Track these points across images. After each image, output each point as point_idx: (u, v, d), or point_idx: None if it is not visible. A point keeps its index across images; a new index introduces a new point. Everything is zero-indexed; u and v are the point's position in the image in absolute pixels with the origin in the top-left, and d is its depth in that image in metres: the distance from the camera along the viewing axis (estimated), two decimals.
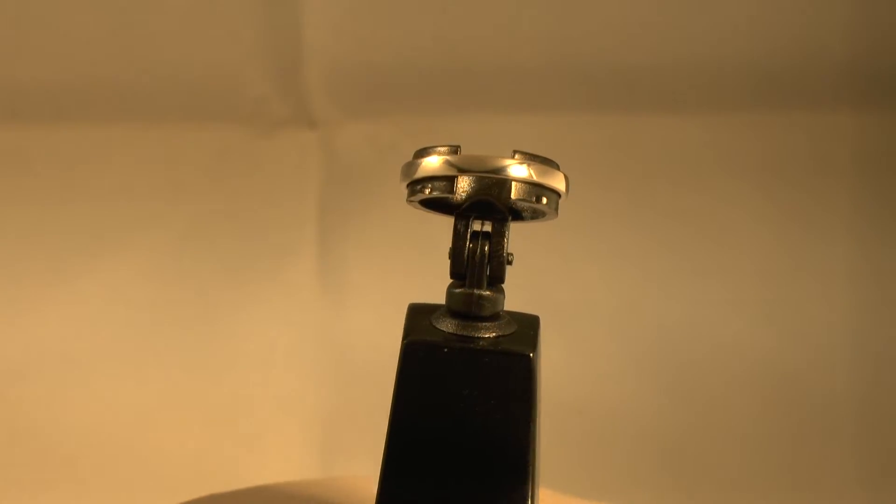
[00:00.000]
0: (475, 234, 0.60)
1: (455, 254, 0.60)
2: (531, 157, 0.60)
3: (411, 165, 0.60)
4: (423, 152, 0.60)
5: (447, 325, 0.61)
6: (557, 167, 0.60)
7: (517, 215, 0.61)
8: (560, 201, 0.60)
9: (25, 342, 1.19)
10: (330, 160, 1.23)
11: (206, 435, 1.16)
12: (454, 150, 0.59)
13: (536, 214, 0.62)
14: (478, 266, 0.60)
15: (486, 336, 0.61)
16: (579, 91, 1.24)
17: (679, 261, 1.25)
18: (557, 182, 0.60)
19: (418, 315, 0.63)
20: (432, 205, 0.61)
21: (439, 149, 0.59)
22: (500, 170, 0.59)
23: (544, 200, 0.60)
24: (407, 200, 0.61)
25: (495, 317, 0.62)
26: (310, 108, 1.23)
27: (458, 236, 0.60)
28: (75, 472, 1.12)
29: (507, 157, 0.59)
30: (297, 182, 1.23)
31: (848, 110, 1.26)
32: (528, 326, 0.63)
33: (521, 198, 0.59)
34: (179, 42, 1.21)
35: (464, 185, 0.59)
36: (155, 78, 1.21)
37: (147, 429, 1.16)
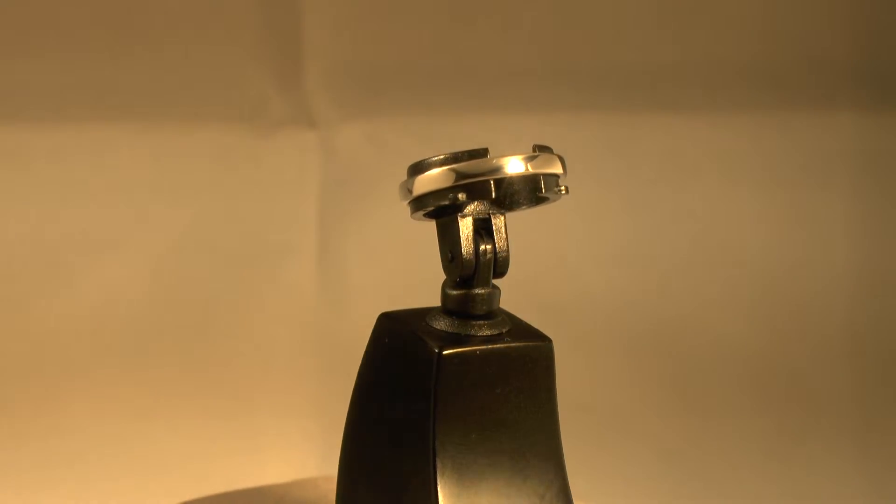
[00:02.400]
0: (478, 233, 0.60)
1: (465, 255, 0.59)
2: (545, 149, 0.60)
3: (433, 175, 0.58)
4: (442, 161, 0.59)
5: (456, 328, 0.61)
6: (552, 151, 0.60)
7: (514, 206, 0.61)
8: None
9: (25, 342, 1.19)
10: (330, 160, 1.23)
11: (205, 435, 1.16)
12: (472, 154, 0.58)
13: (540, 202, 0.61)
14: (487, 265, 0.60)
15: (498, 332, 0.61)
16: (579, 91, 1.24)
17: (678, 259, 1.25)
18: (561, 168, 0.60)
19: (408, 322, 0.62)
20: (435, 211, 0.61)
21: (440, 158, 0.59)
22: (536, 167, 0.58)
23: (563, 190, 0.60)
24: (425, 211, 0.60)
25: (496, 313, 0.62)
26: (310, 108, 1.23)
27: (464, 238, 0.59)
28: (75, 472, 1.12)
29: (535, 153, 0.59)
30: (297, 182, 1.23)
31: (848, 110, 1.26)
32: (511, 316, 0.63)
33: (549, 190, 0.59)
34: (179, 42, 1.21)
35: (500, 186, 0.58)
36: (155, 78, 1.21)
37: (147, 429, 1.16)
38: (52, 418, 1.15)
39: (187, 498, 0.83)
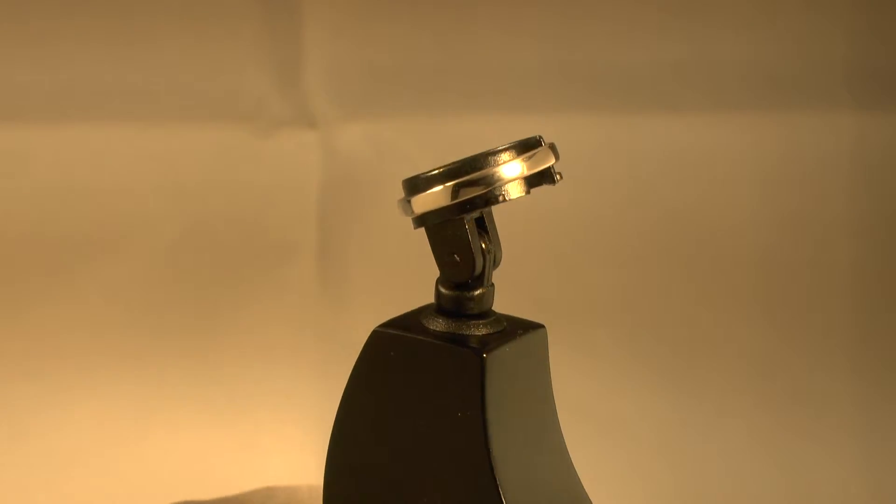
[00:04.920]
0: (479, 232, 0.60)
1: (476, 257, 0.59)
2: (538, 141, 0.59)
3: (433, 193, 0.58)
4: (438, 177, 0.57)
5: (459, 328, 0.60)
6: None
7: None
8: None
9: (24, 342, 1.19)
10: (330, 160, 1.23)
11: (205, 435, 1.16)
12: (467, 167, 0.58)
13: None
14: (490, 262, 0.60)
15: (502, 328, 0.61)
16: (579, 91, 1.24)
17: (678, 260, 1.25)
18: (554, 158, 0.59)
19: (411, 330, 0.61)
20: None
21: (436, 173, 0.58)
22: (532, 166, 0.58)
23: (558, 177, 0.60)
24: (428, 224, 0.59)
25: (492, 310, 0.62)
26: (310, 108, 1.23)
27: (472, 237, 0.59)
28: (74, 471, 1.12)
29: (531, 153, 0.58)
30: (297, 182, 1.23)
31: (848, 110, 1.26)
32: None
33: (545, 182, 0.59)
34: (179, 42, 1.21)
35: (499, 194, 0.58)
36: (155, 78, 1.21)
37: (146, 429, 1.16)
38: (52, 418, 1.15)
39: (187, 498, 0.83)
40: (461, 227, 0.58)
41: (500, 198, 0.57)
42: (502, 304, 0.63)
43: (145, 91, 1.21)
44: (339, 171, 1.23)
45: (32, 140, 1.21)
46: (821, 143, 1.26)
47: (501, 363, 0.59)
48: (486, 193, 0.57)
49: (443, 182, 0.57)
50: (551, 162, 0.59)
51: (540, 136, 0.59)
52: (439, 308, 0.61)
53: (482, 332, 0.60)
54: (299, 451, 1.16)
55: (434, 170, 0.58)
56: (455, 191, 0.57)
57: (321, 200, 1.23)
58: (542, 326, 0.62)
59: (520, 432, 0.60)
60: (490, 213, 0.60)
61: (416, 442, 0.60)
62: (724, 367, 1.23)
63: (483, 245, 0.59)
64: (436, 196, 0.58)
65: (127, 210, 1.22)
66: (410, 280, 1.18)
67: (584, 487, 0.64)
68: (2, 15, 1.19)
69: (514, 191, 0.58)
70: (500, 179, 0.57)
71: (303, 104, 1.22)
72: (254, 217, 1.23)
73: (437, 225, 0.59)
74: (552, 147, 0.59)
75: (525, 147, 0.58)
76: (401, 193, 0.60)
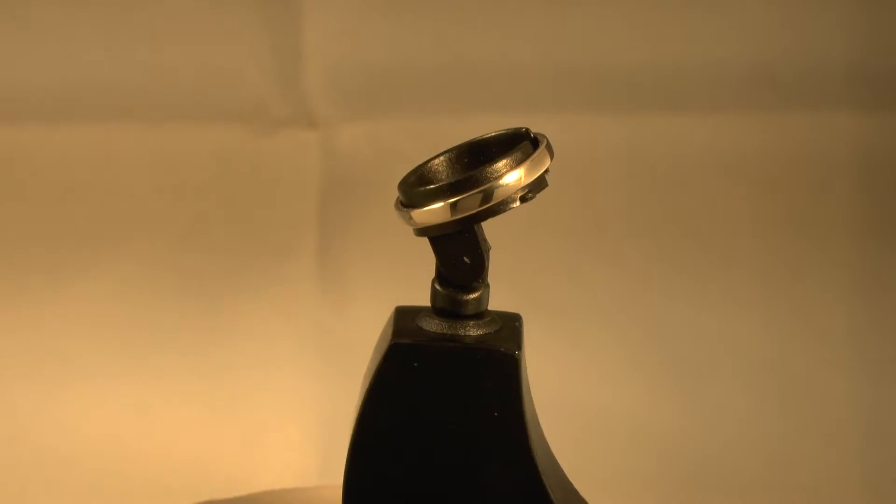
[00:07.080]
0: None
1: (484, 257, 0.58)
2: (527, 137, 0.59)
3: (434, 209, 0.57)
4: (438, 193, 0.57)
5: (459, 329, 0.60)
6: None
7: None
8: None
9: (25, 342, 1.19)
10: (330, 160, 1.23)
11: (205, 435, 1.16)
12: (466, 183, 0.57)
13: None
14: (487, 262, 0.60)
15: (500, 324, 0.61)
16: (579, 91, 1.24)
17: (678, 261, 1.25)
18: (550, 159, 0.59)
19: (423, 336, 0.60)
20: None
21: (435, 187, 0.57)
22: (530, 172, 0.58)
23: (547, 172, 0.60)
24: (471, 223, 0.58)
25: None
26: (310, 108, 1.23)
27: (481, 239, 0.58)
28: (75, 472, 1.12)
29: (526, 156, 0.58)
30: (297, 182, 1.23)
31: (848, 110, 1.26)
32: None
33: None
34: (179, 42, 1.21)
35: (527, 188, 0.57)
36: (155, 78, 1.21)
37: (146, 429, 1.16)
38: (52, 418, 1.15)
39: (187, 498, 0.83)
40: (469, 231, 0.58)
41: (502, 208, 0.57)
42: (502, 303, 0.63)
43: (145, 91, 1.21)
44: (339, 171, 1.23)
45: (32, 140, 1.21)
46: (821, 143, 1.26)
47: (521, 361, 0.59)
48: (487, 209, 0.57)
49: (441, 199, 0.57)
50: (548, 164, 0.58)
51: (526, 129, 0.59)
52: (438, 310, 0.61)
53: (488, 330, 0.60)
54: (300, 451, 1.16)
55: (428, 183, 0.58)
56: (453, 206, 0.57)
57: (321, 200, 1.23)
58: (520, 316, 0.62)
59: (534, 424, 0.61)
60: None
61: (450, 448, 0.59)
62: (722, 366, 1.23)
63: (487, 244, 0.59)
64: (434, 212, 0.57)
65: (127, 210, 1.22)
66: (410, 280, 1.18)
67: (577, 485, 0.65)
68: (2, 14, 1.19)
69: (515, 199, 0.57)
70: (499, 188, 0.57)
71: (303, 104, 1.22)
72: (254, 217, 1.23)
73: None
74: (548, 147, 0.59)
75: (519, 146, 0.58)
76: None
